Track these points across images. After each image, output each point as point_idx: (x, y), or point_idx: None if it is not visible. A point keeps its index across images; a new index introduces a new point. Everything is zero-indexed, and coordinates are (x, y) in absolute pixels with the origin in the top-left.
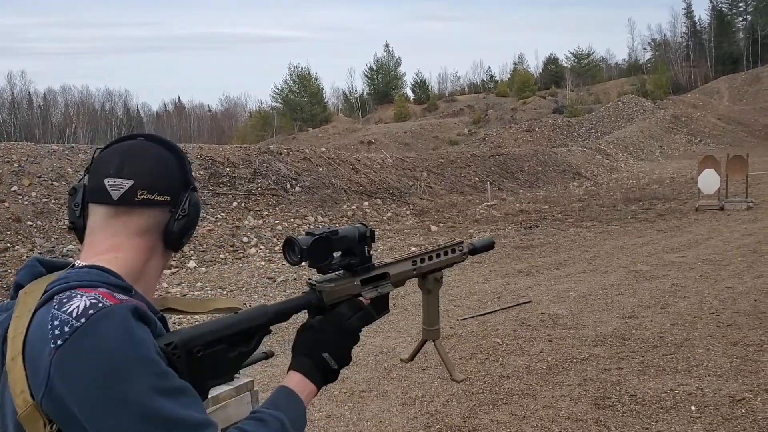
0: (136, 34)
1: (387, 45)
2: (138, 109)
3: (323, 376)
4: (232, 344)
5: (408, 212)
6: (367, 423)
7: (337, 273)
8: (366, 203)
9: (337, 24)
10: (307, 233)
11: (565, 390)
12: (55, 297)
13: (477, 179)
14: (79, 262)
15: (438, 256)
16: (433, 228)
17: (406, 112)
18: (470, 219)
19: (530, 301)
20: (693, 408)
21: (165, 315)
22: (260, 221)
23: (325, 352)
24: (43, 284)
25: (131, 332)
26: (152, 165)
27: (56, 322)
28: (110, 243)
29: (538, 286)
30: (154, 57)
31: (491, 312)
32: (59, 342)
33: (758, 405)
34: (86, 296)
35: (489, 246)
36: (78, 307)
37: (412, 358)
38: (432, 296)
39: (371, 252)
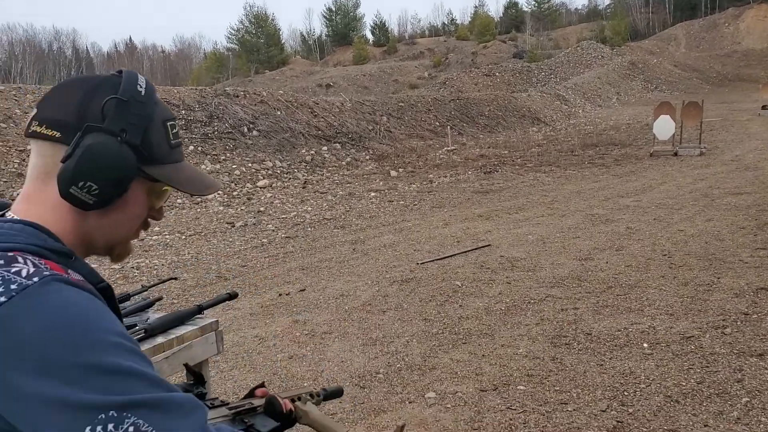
0: None
1: None
2: (87, 50)
3: None
4: None
5: (367, 157)
6: (329, 363)
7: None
8: (325, 148)
9: None
10: None
11: (523, 330)
12: None
13: (437, 124)
14: (9, 214)
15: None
16: (393, 173)
17: (366, 55)
18: (430, 164)
19: (489, 245)
20: (645, 345)
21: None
22: (218, 166)
23: None
24: None
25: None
26: (57, 94)
27: None
28: (30, 190)
29: (497, 230)
30: None
31: (451, 255)
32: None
33: (706, 341)
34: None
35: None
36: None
37: None
38: None
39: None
